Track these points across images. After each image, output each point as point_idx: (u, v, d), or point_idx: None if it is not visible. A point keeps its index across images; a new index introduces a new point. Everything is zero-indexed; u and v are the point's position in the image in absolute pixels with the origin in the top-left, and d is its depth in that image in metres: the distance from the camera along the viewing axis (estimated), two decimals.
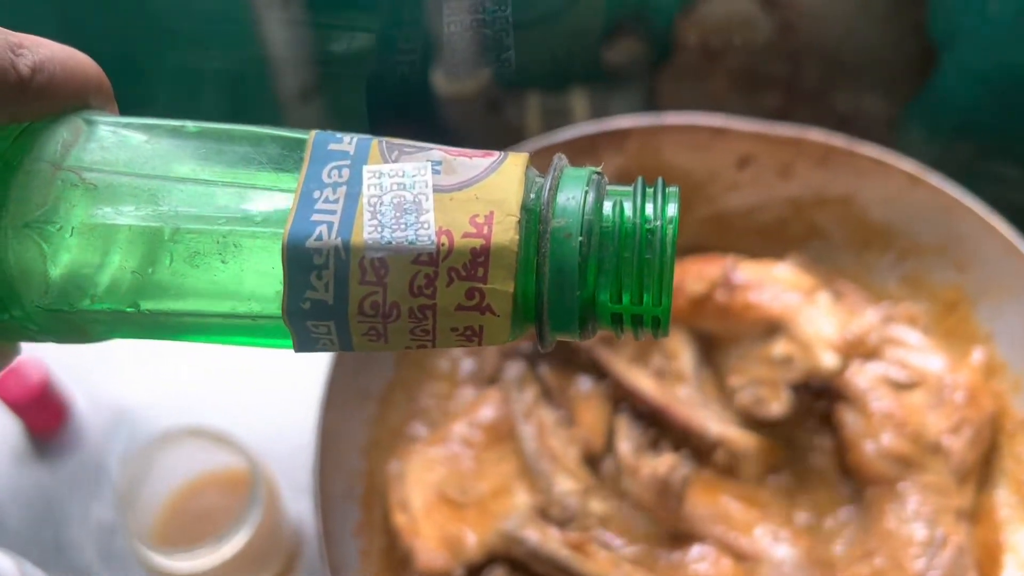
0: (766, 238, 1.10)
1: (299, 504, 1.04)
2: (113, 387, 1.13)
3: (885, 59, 1.44)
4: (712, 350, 1.02)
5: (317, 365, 1.07)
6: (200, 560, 0.88)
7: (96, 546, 1.03)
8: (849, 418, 0.93)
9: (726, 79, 1.54)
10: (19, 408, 1.07)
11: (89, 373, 1.13)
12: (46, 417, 1.09)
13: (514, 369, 0.96)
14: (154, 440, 0.91)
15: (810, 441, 0.97)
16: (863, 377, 0.95)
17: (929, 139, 1.60)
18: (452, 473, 0.90)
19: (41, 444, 1.09)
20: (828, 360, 0.86)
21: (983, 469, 0.96)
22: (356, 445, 0.92)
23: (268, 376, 1.15)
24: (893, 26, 1.42)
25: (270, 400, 1.12)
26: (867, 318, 1.04)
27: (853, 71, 1.47)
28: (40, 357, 1.07)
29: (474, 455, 0.93)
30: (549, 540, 0.81)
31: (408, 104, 1.47)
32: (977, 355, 0.99)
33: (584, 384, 0.97)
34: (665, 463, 0.86)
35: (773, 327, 0.92)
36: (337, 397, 0.88)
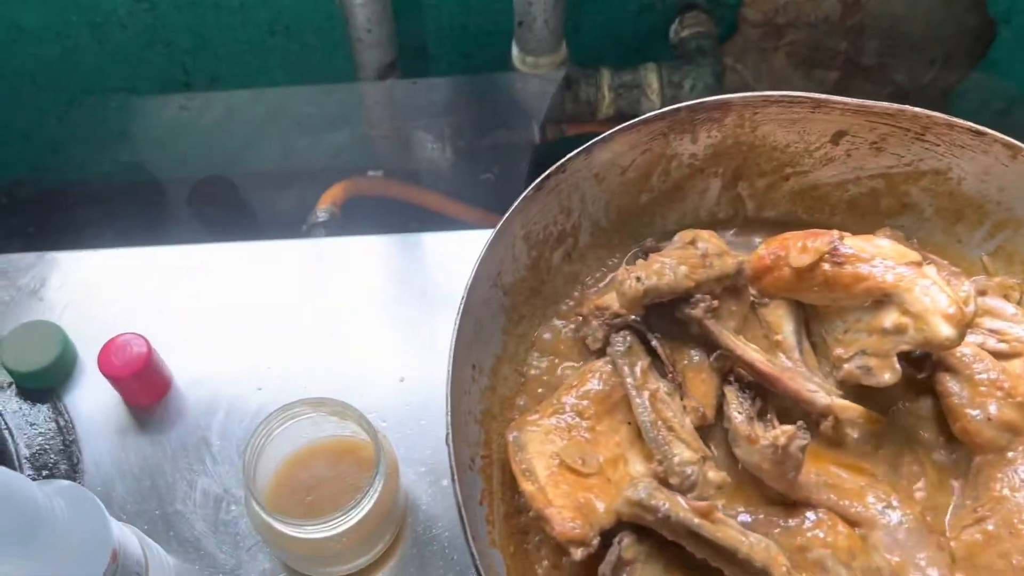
0: (858, 212, 1.11)
1: (408, 474, 1.06)
2: (212, 362, 1.14)
3: (946, 34, 1.45)
4: (813, 322, 1.03)
5: (411, 335, 1.08)
6: (327, 532, 0.89)
7: (204, 518, 1.04)
8: (954, 387, 0.95)
9: (786, 55, 1.55)
10: (120, 382, 1.08)
11: (189, 348, 1.14)
12: (147, 391, 1.10)
13: (622, 341, 0.97)
14: (277, 411, 0.92)
15: (912, 411, 0.99)
16: (965, 347, 0.97)
17: (982, 112, 1.61)
18: (571, 442, 0.92)
19: (142, 418, 1.10)
20: (945, 331, 0.87)
21: None
22: (473, 416, 0.93)
23: (361, 348, 1.16)
24: (955, 1, 1.42)
25: (369, 372, 1.13)
26: (962, 289, 1.05)
27: (914, 45, 1.47)
28: (141, 332, 1.08)
29: (588, 425, 0.94)
30: (679, 508, 0.83)
31: (487, 81, 1.48)
32: None
33: (694, 356, 0.98)
34: (785, 433, 0.88)
35: (882, 298, 0.93)
36: (456, 372, 0.89)
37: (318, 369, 1.14)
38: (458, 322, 0.88)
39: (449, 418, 0.83)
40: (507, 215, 0.95)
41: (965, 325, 0.89)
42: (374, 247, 1.26)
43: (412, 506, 1.04)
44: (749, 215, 1.13)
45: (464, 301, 0.89)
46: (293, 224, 1.41)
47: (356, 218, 1.41)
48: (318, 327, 1.17)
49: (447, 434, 0.83)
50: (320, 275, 1.23)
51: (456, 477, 0.80)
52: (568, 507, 0.85)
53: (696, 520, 0.83)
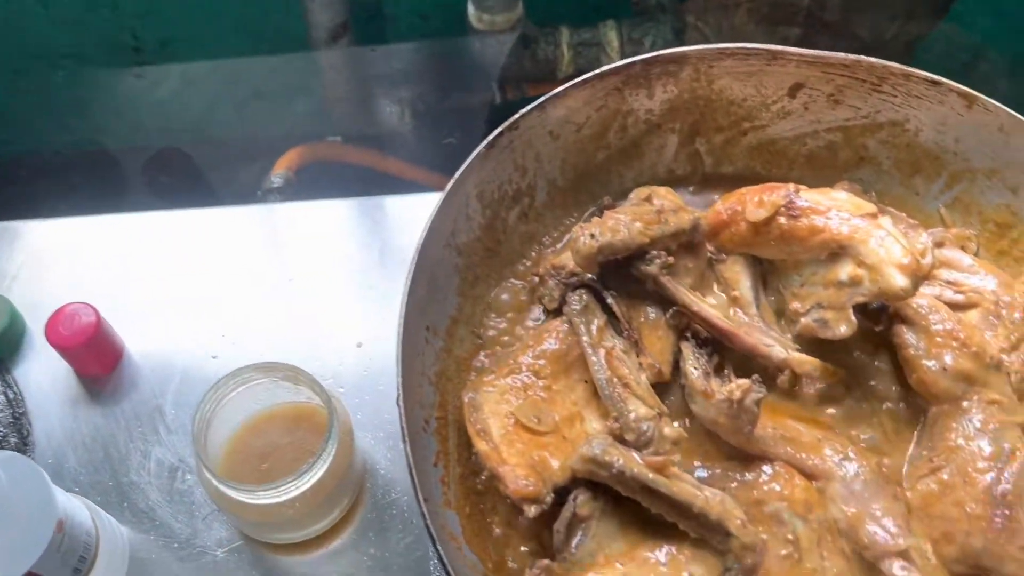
0: (816, 165, 1.10)
1: (365, 439, 1.05)
2: (166, 331, 1.12)
3: None
4: (770, 276, 1.02)
5: (369, 300, 1.06)
6: (280, 497, 0.88)
7: (159, 487, 1.03)
8: (910, 338, 0.95)
9: (748, 11, 1.53)
10: (69, 352, 1.06)
11: (141, 317, 1.12)
12: (97, 361, 1.08)
13: (578, 299, 0.96)
14: (226, 377, 0.91)
15: (868, 363, 0.99)
16: (921, 299, 0.96)
17: (947, 64, 1.60)
18: (526, 402, 0.91)
19: (94, 388, 1.08)
20: (900, 281, 0.87)
21: None
22: (427, 378, 0.92)
23: (318, 313, 1.15)
24: None
25: (326, 338, 1.11)
26: (919, 241, 1.05)
27: (876, 0, 1.46)
28: (92, 302, 1.06)
29: (544, 384, 0.93)
30: (633, 463, 0.82)
31: (443, 40, 1.45)
32: None
33: (650, 313, 0.97)
34: (740, 387, 0.87)
35: (838, 251, 0.93)
36: (408, 334, 0.88)
37: (274, 336, 1.12)
38: (409, 283, 0.87)
39: (400, 379, 0.82)
40: (459, 173, 0.94)
41: (920, 276, 0.88)
42: (331, 211, 1.24)
43: (371, 470, 1.03)
44: (707, 171, 1.12)
45: (415, 261, 0.88)
46: (251, 194, 1.39)
47: (314, 184, 1.38)
48: (274, 293, 1.15)
49: (398, 395, 0.81)
50: (275, 241, 1.21)
51: (407, 439, 0.79)
52: (522, 465, 0.84)
53: (651, 475, 0.82)
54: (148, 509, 1.01)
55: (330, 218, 1.24)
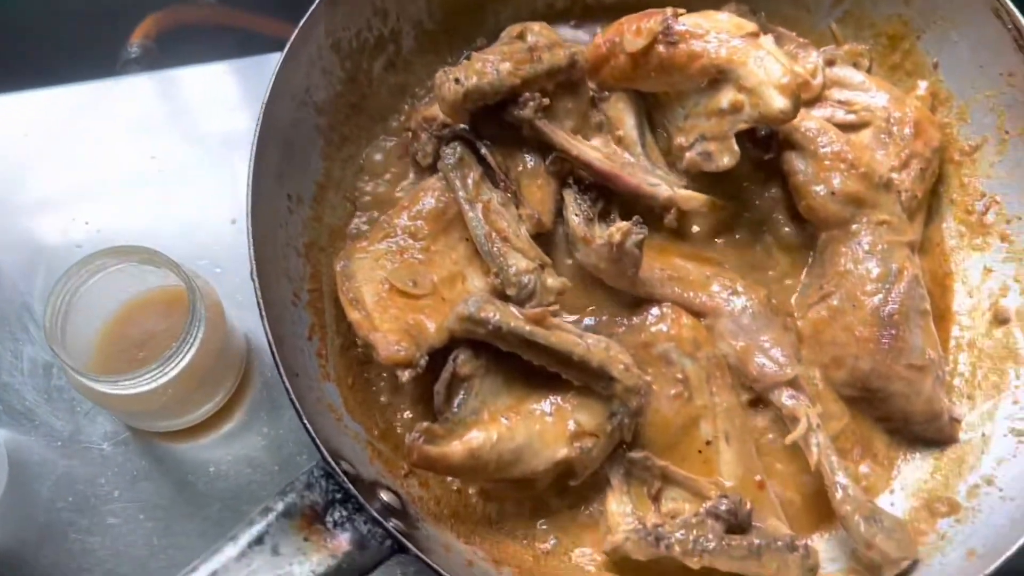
0: None
1: (249, 319, 1.00)
2: (24, 223, 1.04)
3: None
4: (656, 112, 0.97)
5: (242, 172, 0.99)
6: (149, 384, 0.84)
7: (35, 387, 0.98)
8: (799, 164, 0.91)
9: None
10: None
11: None
12: None
13: (452, 152, 0.90)
14: (75, 266, 0.84)
15: (759, 194, 0.96)
16: (810, 122, 0.92)
17: None
18: (402, 266, 0.86)
19: None
20: (779, 103, 0.82)
21: (931, 202, 0.97)
22: (295, 249, 0.87)
23: (187, 192, 1.08)
24: None
25: (198, 216, 1.05)
26: (809, 60, 1.00)
27: None
28: None
29: (422, 246, 0.88)
30: (510, 317, 0.79)
31: None
32: (923, 88, 0.97)
33: (529, 161, 0.92)
34: (620, 229, 0.83)
35: (719, 77, 0.87)
36: (264, 203, 0.82)
37: (142, 219, 1.05)
38: (255, 147, 0.80)
39: (252, 252, 0.77)
40: (301, 24, 0.85)
41: (800, 96, 0.83)
42: (195, 79, 1.15)
43: (257, 350, 0.99)
44: (589, 3, 1.04)
45: (260, 123, 0.81)
46: (108, 67, 1.27)
47: (178, 51, 1.27)
48: (139, 174, 1.07)
49: (251, 269, 0.76)
50: (137, 116, 1.11)
51: (265, 314, 0.75)
52: (394, 331, 0.80)
53: (528, 327, 0.79)
54: (25, 410, 0.97)
55: (195, 86, 1.15)
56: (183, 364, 0.84)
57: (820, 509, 0.84)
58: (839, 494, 0.80)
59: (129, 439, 0.96)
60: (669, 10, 0.89)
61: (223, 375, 0.93)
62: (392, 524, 0.70)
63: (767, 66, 0.84)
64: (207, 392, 0.92)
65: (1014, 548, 0.70)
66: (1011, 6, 0.86)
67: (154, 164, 1.09)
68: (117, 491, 0.94)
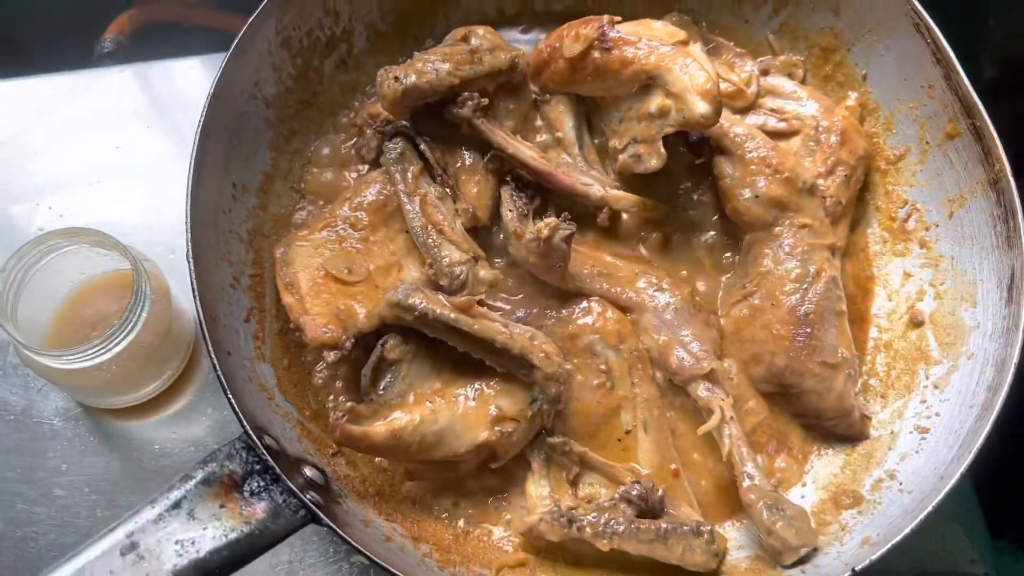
0: None
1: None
2: None
3: None
4: (595, 116, 1.01)
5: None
6: (93, 360, 0.87)
7: None
8: (727, 168, 0.95)
9: None
10: None
11: None
12: None
13: (394, 147, 0.94)
14: (27, 245, 0.88)
15: (690, 197, 0.99)
16: (739, 127, 0.96)
17: None
18: (339, 254, 0.90)
19: None
20: (700, 108, 0.86)
21: (857, 208, 1.00)
22: (238, 235, 0.91)
23: (150, 180, 1.11)
24: None
25: (159, 205, 1.09)
26: (745, 69, 1.04)
27: None
28: None
29: (362, 236, 0.92)
30: (436, 304, 0.83)
31: None
32: (852, 99, 1.01)
33: (467, 158, 0.95)
34: (548, 225, 0.87)
35: (649, 82, 0.91)
36: (207, 189, 0.86)
37: (105, 206, 1.09)
38: (198, 136, 0.84)
39: (189, 235, 0.80)
40: (249, 22, 0.89)
41: (720, 101, 0.87)
42: (163, 74, 1.19)
43: None
44: (537, 9, 1.08)
45: (205, 115, 0.85)
46: (84, 60, 1.31)
47: (150, 47, 1.31)
48: (105, 163, 1.11)
49: (187, 251, 0.80)
50: (107, 108, 1.15)
51: (197, 293, 0.79)
52: (324, 314, 0.84)
53: (453, 315, 0.83)
54: None
55: (165, 81, 1.19)
56: (126, 342, 0.88)
57: (733, 499, 0.87)
58: (746, 483, 0.83)
59: (80, 416, 1.00)
60: (605, 17, 0.93)
61: (169, 355, 0.97)
62: (309, 496, 0.74)
63: (691, 72, 0.87)
64: (152, 371, 0.96)
65: (901, 536, 0.74)
66: (930, 22, 0.90)
67: (119, 154, 1.13)
68: (65, 465, 0.98)
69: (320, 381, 0.91)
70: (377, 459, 0.89)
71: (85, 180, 1.12)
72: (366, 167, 0.99)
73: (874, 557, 0.73)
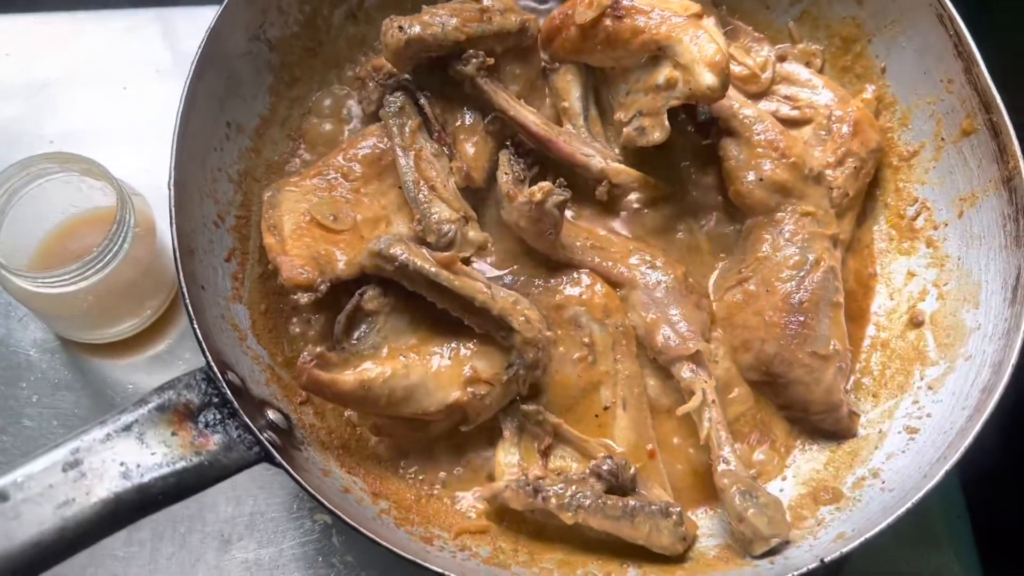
0: None
1: None
2: None
3: None
4: (603, 88, 0.98)
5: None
6: (69, 286, 0.86)
7: None
8: (733, 150, 0.92)
9: None
10: None
11: None
12: None
13: (394, 101, 0.92)
14: (16, 165, 0.87)
15: (695, 177, 0.97)
16: (748, 109, 0.93)
17: None
18: (327, 201, 0.88)
19: None
20: (707, 79, 0.83)
21: (865, 203, 0.97)
22: (227, 175, 0.89)
23: (152, 122, 1.10)
24: None
25: (159, 144, 1.07)
26: (761, 54, 1.01)
27: None
28: None
29: (353, 187, 0.90)
30: (418, 256, 0.81)
31: None
32: (869, 92, 0.98)
33: (468, 118, 0.93)
34: (542, 189, 0.85)
35: (658, 53, 0.88)
36: (199, 123, 0.84)
37: (105, 143, 1.07)
38: (193, 69, 0.82)
39: (173, 161, 0.79)
40: None
41: (728, 74, 0.84)
42: (183, 19, 1.18)
43: None
44: None
45: (202, 47, 0.83)
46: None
47: None
48: (110, 102, 1.11)
49: (169, 178, 0.79)
50: (119, 48, 1.15)
51: (175, 222, 0.77)
52: (302, 256, 0.82)
53: (434, 269, 0.81)
54: None
55: (181, 26, 1.18)
56: (105, 272, 0.87)
57: (708, 487, 0.84)
58: (721, 467, 0.80)
59: (57, 349, 0.99)
60: None
61: (149, 293, 0.96)
62: (266, 435, 0.72)
63: (701, 44, 0.85)
64: (131, 307, 0.95)
65: (876, 530, 0.70)
66: (954, 12, 0.87)
67: (126, 94, 1.12)
68: (36, 396, 0.97)
69: (297, 331, 0.89)
70: (346, 413, 0.87)
71: (88, 117, 1.11)
72: (365, 121, 0.98)
73: (845, 550, 0.70)
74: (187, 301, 0.74)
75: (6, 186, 0.88)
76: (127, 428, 0.68)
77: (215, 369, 0.72)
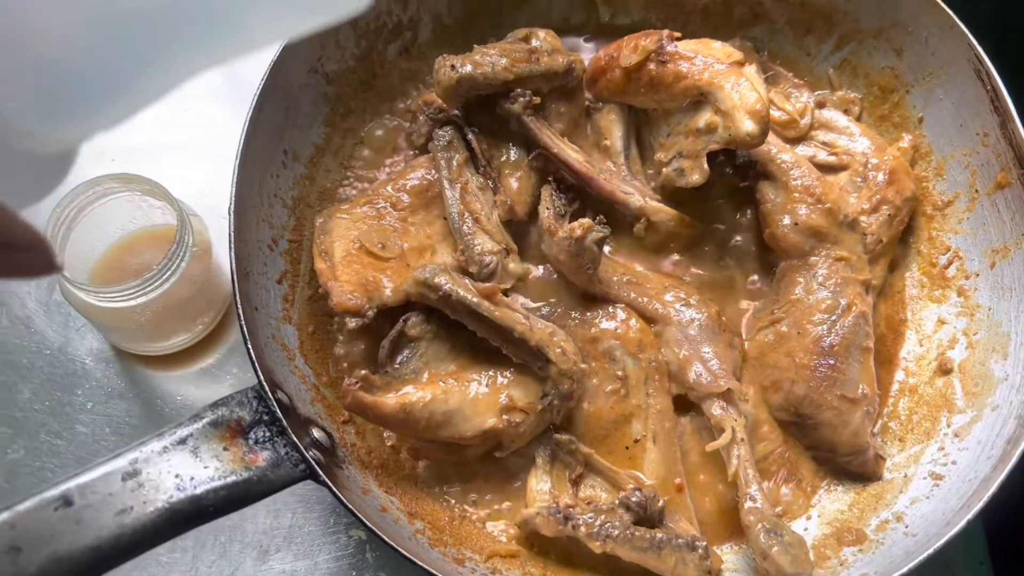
0: (711, 21, 1.07)
1: None
2: None
3: None
4: (645, 129, 1.02)
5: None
6: (128, 301, 0.91)
7: (37, 298, 1.06)
8: (770, 194, 0.95)
9: None
10: None
11: None
12: None
13: (444, 135, 0.96)
14: (82, 185, 0.92)
15: (731, 218, 0.99)
16: (786, 154, 0.96)
17: None
18: (375, 229, 0.92)
19: None
20: (747, 126, 0.86)
21: (899, 250, 0.99)
22: (282, 200, 0.93)
23: (212, 144, 1.15)
24: None
25: (220, 169, 1.12)
26: (801, 100, 1.04)
27: None
28: None
29: (400, 216, 0.94)
30: (461, 286, 0.84)
31: None
32: (906, 141, 1.00)
33: (512, 153, 0.97)
34: (582, 225, 0.88)
35: (700, 99, 0.91)
36: (259, 151, 0.89)
37: (165, 163, 1.12)
38: (256, 99, 0.87)
39: (235, 189, 0.83)
40: None
41: (767, 122, 0.87)
42: None
43: None
44: (603, 21, 1.10)
45: (265, 79, 0.88)
46: None
47: None
48: (171, 122, 1.15)
49: (230, 205, 0.83)
50: None
51: (233, 246, 0.81)
52: (351, 282, 0.86)
53: (476, 299, 0.84)
54: (25, 317, 1.05)
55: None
56: (163, 288, 0.91)
57: (734, 523, 0.86)
58: (748, 504, 0.82)
59: (111, 359, 1.03)
60: (666, 32, 0.94)
61: (202, 310, 1.00)
62: (312, 454, 0.75)
63: (742, 91, 0.88)
64: (184, 323, 0.99)
65: (898, 574, 0.72)
66: (991, 68, 0.89)
67: (187, 116, 1.17)
68: (91, 403, 1.01)
69: (341, 351, 0.93)
70: (385, 434, 0.90)
71: (149, 136, 1.16)
72: (413, 152, 1.02)
73: None
74: (242, 322, 0.78)
75: (74, 203, 0.93)
76: (183, 441, 0.72)
77: (266, 388, 0.75)
